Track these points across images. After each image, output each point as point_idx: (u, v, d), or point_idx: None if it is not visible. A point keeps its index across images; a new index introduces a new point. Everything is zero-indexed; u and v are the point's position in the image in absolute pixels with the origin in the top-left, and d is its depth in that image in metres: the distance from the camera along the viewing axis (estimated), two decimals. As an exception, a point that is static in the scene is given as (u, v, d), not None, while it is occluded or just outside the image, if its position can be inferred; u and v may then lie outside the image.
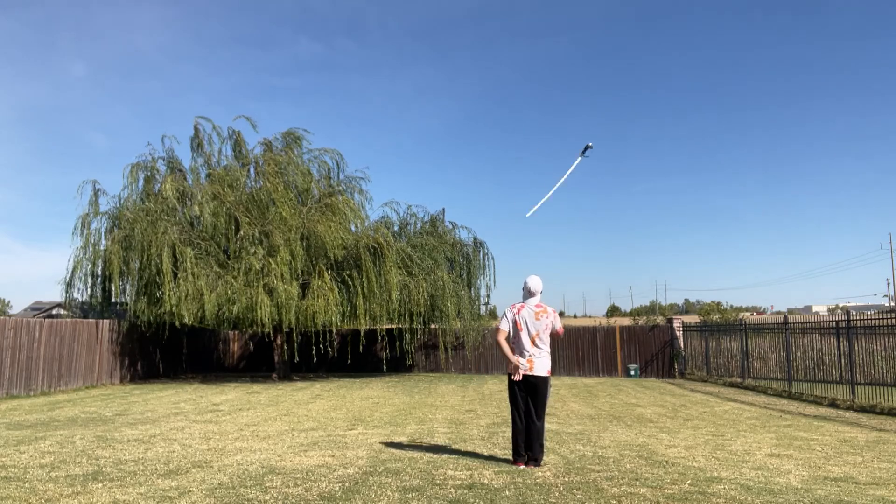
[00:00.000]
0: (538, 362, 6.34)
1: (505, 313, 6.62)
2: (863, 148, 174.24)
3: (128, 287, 18.97)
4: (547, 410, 11.77)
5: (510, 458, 6.72)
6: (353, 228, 19.89)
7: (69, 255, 23.09)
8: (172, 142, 20.86)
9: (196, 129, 20.98)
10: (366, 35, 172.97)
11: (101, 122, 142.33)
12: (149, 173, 20.11)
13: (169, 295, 17.09)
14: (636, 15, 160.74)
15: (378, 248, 18.31)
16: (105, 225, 19.23)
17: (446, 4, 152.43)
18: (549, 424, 9.81)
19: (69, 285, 18.79)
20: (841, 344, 14.32)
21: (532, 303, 6.53)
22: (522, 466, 6.25)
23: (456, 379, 20.40)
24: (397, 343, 21.73)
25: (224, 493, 5.23)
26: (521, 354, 6.38)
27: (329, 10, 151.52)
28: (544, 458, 6.46)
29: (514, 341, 6.48)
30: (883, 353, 13.26)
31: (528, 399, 6.36)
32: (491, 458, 6.80)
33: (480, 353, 23.07)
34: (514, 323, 6.47)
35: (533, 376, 6.32)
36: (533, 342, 6.37)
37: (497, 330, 6.60)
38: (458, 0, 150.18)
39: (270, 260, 17.74)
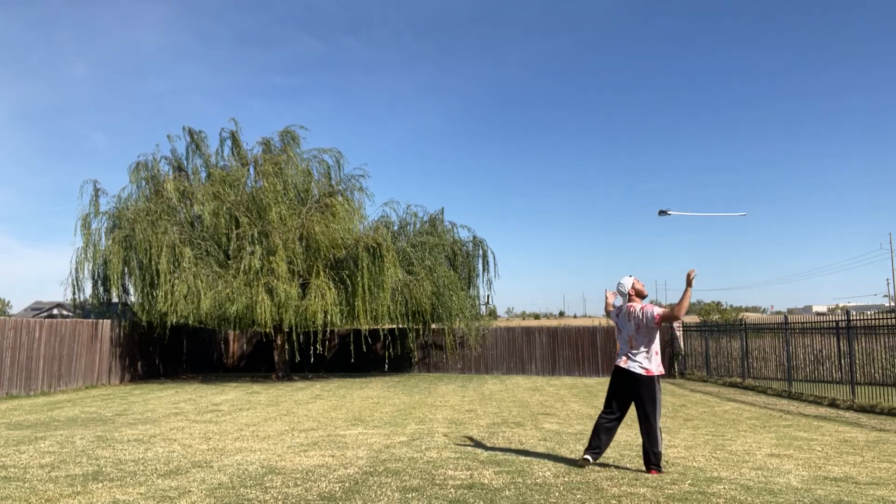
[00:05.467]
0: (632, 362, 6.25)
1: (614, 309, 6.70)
2: (863, 148, 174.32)
3: (129, 287, 18.99)
4: (547, 410, 11.68)
5: (510, 457, 6.72)
6: (352, 228, 19.88)
7: (71, 255, 22.98)
8: (174, 142, 20.92)
9: (191, 131, 21.01)
10: (369, 34, 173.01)
11: (101, 121, 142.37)
12: (150, 173, 20.15)
13: (165, 295, 17.11)
14: (639, 13, 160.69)
15: (377, 247, 18.30)
16: (105, 225, 19.26)
17: (450, 3, 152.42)
18: (549, 425, 9.81)
19: (72, 286, 18.84)
20: (841, 344, 14.31)
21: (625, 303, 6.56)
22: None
23: (456, 379, 20.39)
24: (398, 343, 21.73)
25: (224, 493, 5.23)
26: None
27: (333, 9, 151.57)
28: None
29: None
30: (883, 353, 13.26)
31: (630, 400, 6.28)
32: (491, 458, 6.79)
33: (481, 352, 23.07)
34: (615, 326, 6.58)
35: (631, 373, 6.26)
36: (629, 343, 6.30)
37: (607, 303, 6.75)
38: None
39: (269, 259, 17.74)
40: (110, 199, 19.60)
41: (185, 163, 20.99)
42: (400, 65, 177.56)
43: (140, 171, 20.00)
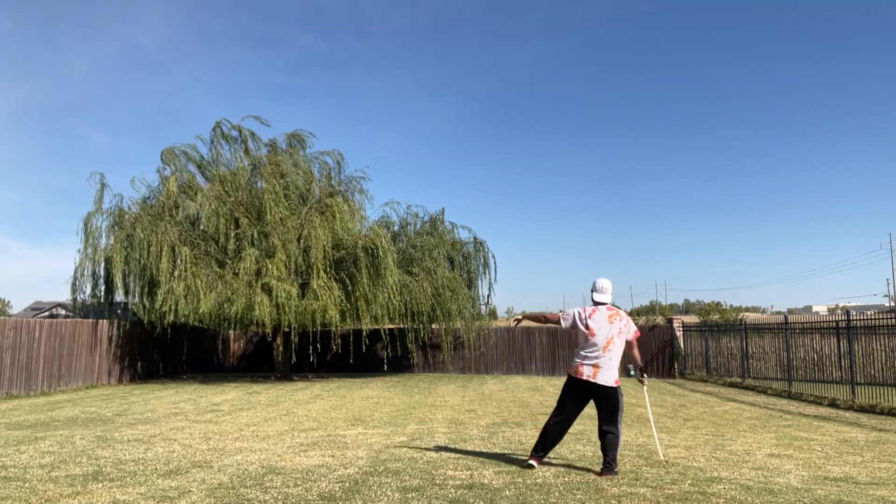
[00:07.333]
0: (604, 372, 5.96)
1: (575, 313, 6.18)
2: (862, 148, 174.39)
3: (129, 287, 18.98)
4: (547, 410, 11.69)
5: (510, 457, 6.73)
6: (352, 228, 19.90)
7: (73, 255, 22.83)
8: (197, 142, 21.11)
9: (217, 125, 20.96)
10: (371, 33, 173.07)
11: (102, 120, 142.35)
12: (153, 173, 20.33)
13: (164, 295, 17.12)
14: (641, 14, 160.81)
15: (375, 248, 18.30)
16: (106, 224, 19.26)
17: (451, 3, 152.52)
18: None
19: (74, 286, 18.84)
20: (841, 344, 14.31)
21: (604, 306, 6.17)
22: (534, 463, 6.18)
23: (456, 379, 20.39)
24: (398, 343, 21.71)
25: (224, 493, 5.23)
26: (586, 360, 6.03)
27: (334, 8, 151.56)
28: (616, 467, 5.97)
29: (583, 347, 6.12)
30: (883, 353, 13.25)
31: (596, 407, 6.16)
32: (491, 458, 6.79)
33: (481, 352, 23.07)
34: (587, 327, 6.07)
35: (598, 385, 5.96)
36: (605, 349, 5.99)
37: (560, 319, 6.20)
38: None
39: (268, 260, 17.76)
40: (113, 198, 19.66)
41: (188, 163, 21.06)
42: (401, 65, 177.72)
43: (165, 166, 20.19)
